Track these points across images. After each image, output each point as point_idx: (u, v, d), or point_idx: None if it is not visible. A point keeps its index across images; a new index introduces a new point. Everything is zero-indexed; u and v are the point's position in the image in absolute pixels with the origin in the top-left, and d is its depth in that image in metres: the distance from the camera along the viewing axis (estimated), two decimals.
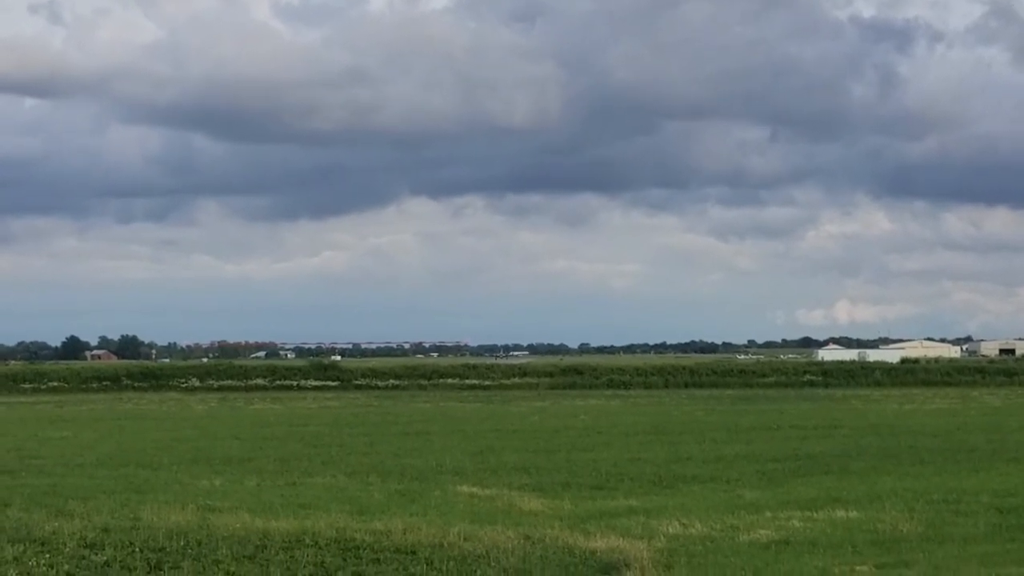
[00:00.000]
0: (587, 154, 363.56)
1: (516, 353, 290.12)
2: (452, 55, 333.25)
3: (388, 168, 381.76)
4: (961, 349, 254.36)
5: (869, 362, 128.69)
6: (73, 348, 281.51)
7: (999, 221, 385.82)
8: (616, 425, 52.59)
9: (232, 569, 17.52)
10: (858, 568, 18.15)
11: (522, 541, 19.41)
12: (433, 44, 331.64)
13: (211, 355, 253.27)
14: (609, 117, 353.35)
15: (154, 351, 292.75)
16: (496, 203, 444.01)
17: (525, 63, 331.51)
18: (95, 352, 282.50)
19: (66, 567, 17.48)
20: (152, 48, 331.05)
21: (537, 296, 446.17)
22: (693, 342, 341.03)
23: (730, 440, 43.44)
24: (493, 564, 17.93)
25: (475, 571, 17.59)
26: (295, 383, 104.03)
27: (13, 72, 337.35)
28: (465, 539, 19.45)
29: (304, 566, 17.71)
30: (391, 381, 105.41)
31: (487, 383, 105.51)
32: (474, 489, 28.02)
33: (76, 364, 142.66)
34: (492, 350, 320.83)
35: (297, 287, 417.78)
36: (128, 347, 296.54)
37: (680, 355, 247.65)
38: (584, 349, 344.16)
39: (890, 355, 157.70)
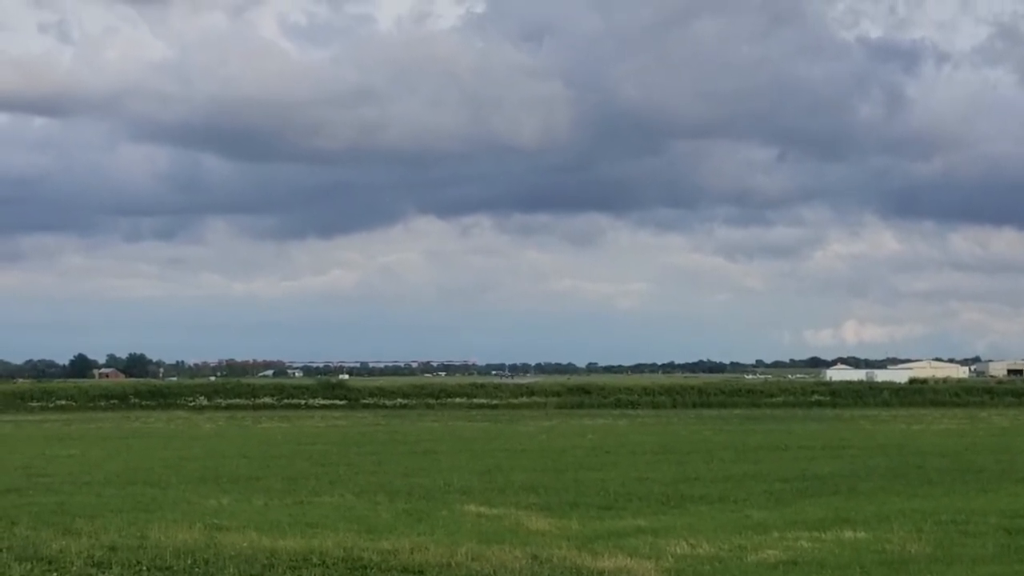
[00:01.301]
0: (594, 173, 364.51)
1: (499, 372, 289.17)
2: (459, 74, 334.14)
3: (395, 187, 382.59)
4: (969, 369, 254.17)
5: (877, 382, 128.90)
6: (81, 366, 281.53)
7: (1006, 241, 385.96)
8: (624, 445, 52.53)
9: None
10: None
11: (530, 561, 19.38)
12: (440, 63, 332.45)
13: (219, 373, 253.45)
14: (616, 136, 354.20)
15: (162, 369, 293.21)
16: (503, 222, 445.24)
17: (532, 82, 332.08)
18: (103, 370, 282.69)
19: None
20: (160, 67, 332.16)
21: (545, 315, 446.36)
22: (701, 362, 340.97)
23: (738, 460, 43.38)
24: None
25: None
26: (303, 402, 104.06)
27: (22, 91, 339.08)
28: (473, 559, 19.42)
29: None
30: (399, 400, 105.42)
31: (495, 402, 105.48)
32: (482, 508, 27.99)
33: (84, 382, 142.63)
34: (500, 369, 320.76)
35: (305, 305, 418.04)
36: (136, 365, 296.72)
37: (688, 375, 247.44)
38: (592, 368, 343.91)
39: (898, 375, 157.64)
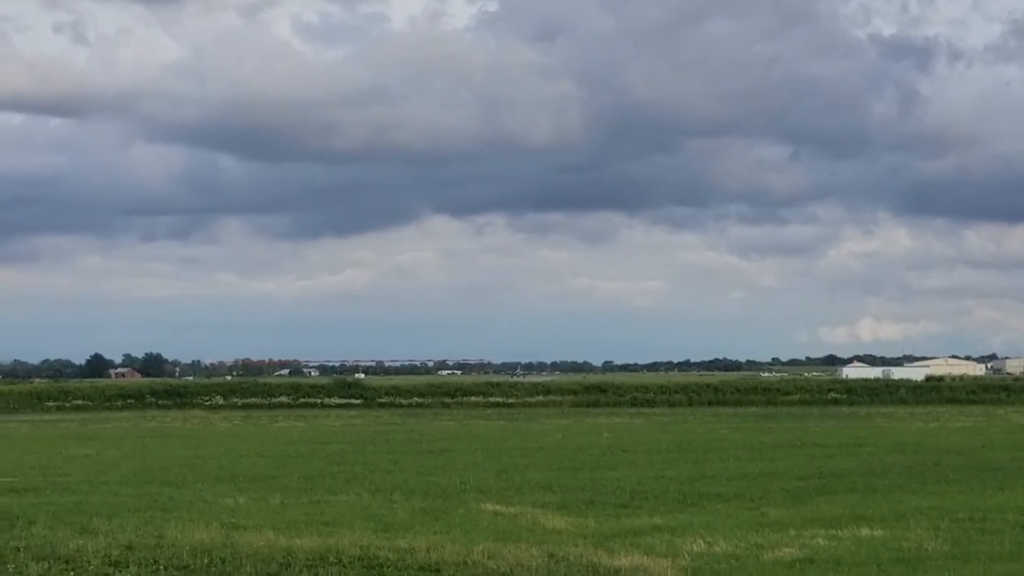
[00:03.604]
0: (608, 172, 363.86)
1: (510, 371, 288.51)
2: (473, 74, 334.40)
3: (409, 186, 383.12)
4: (986, 367, 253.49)
5: (894, 380, 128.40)
6: (97, 366, 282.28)
7: (1020, 239, 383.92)
8: (640, 443, 52.51)
9: None
10: None
11: (546, 559, 19.36)
12: (454, 63, 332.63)
13: (235, 373, 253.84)
14: (629, 135, 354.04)
15: (178, 369, 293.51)
16: (517, 221, 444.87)
17: (545, 82, 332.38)
18: (119, 370, 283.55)
19: None
20: (174, 67, 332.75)
21: (560, 314, 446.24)
22: (717, 360, 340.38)
23: (754, 458, 43.33)
24: None
25: None
26: (319, 401, 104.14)
27: (37, 91, 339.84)
28: (489, 557, 19.41)
29: None
30: (415, 399, 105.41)
31: (510, 401, 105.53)
32: (498, 507, 27.99)
33: (100, 382, 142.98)
34: (515, 368, 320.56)
35: (320, 305, 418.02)
36: (152, 365, 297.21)
37: (704, 373, 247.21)
38: (608, 367, 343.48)
39: (915, 373, 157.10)
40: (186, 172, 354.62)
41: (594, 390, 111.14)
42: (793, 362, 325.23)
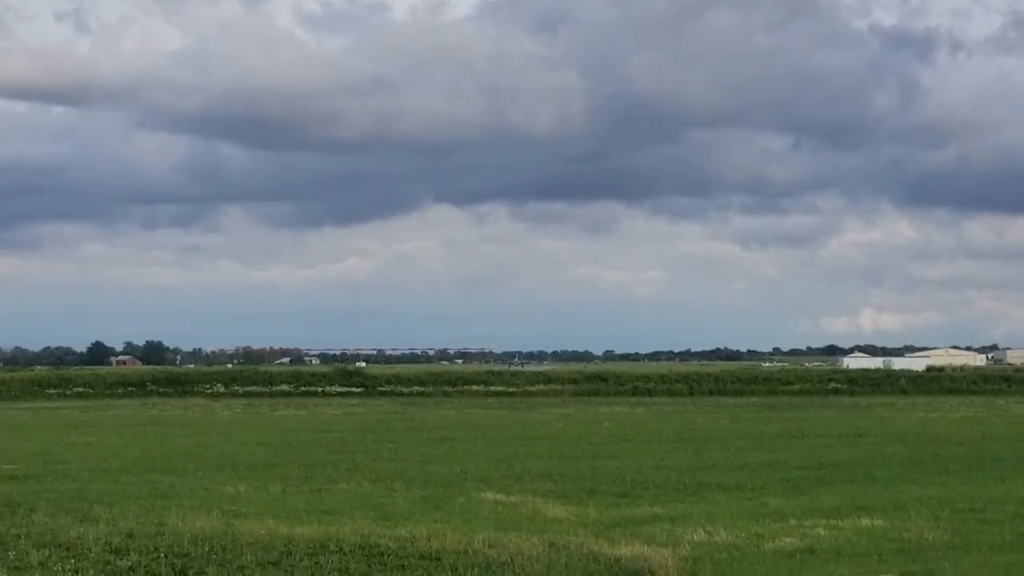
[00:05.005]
0: (609, 162, 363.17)
1: (509, 361, 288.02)
2: (475, 64, 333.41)
3: (411, 176, 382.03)
4: (987, 357, 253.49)
5: (894, 370, 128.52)
6: (98, 354, 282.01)
7: (1021, 229, 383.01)
8: (641, 432, 52.55)
9: (257, 575, 17.54)
10: None
11: (547, 548, 19.37)
12: (456, 53, 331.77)
13: (236, 361, 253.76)
14: (631, 125, 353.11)
15: (179, 357, 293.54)
16: (519, 210, 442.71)
17: (547, 72, 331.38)
18: (120, 358, 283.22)
19: (91, 572, 17.48)
20: (177, 56, 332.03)
21: (561, 303, 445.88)
22: (718, 350, 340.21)
23: (755, 448, 43.38)
24: (518, 571, 17.90)
25: None
26: (320, 389, 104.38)
27: (40, 80, 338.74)
28: (490, 546, 19.42)
29: (329, 572, 17.69)
30: (415, 388, 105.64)
31: (511, 390, 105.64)
32: (499, 496, 28.01)
33: (101, 370, 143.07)
34: (514, 356, 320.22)
35: (322, 293, 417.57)
36: (153, 353, 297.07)
37: (705, 363, 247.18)
38: (608, 356, 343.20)
39: (916, 363, 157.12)
40: (189, 161, 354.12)
41: (595, 379, 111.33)
42: (794, 352, 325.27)
